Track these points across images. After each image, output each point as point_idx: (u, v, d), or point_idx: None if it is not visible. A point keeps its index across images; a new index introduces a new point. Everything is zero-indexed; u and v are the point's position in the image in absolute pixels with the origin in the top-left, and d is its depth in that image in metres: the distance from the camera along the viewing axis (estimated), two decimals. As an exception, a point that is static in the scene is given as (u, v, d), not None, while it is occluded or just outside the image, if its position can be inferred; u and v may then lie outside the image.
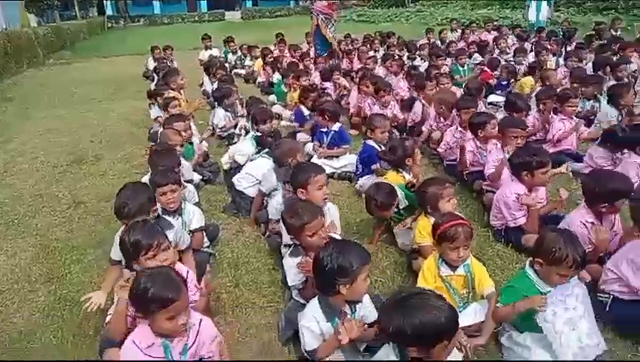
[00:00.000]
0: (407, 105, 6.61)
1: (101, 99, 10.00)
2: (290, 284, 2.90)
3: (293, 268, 2.84)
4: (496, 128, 4.46)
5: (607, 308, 2.80)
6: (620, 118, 5.64)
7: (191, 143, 5.22)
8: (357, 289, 2.34)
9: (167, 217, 3.28)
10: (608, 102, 5.85)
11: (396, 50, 10.64)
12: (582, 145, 5.50)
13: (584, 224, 3.18)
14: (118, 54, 17.55)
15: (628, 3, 16.95)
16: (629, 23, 14.41)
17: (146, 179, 3.83)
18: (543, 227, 3.52)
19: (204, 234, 3.64)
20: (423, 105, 5.96)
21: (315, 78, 8.27)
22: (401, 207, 3.75)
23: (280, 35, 12.60)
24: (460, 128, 5.10)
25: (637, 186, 3.99)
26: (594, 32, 10.67)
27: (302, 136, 6.12)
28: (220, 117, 6.51)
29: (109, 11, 35.13)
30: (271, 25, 24.32)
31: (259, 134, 5.10)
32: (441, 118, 5.62)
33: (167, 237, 2.63)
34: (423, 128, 5.88)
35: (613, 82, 6.57)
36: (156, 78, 8.46)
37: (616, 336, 2.69)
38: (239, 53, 12.10)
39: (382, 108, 6.29)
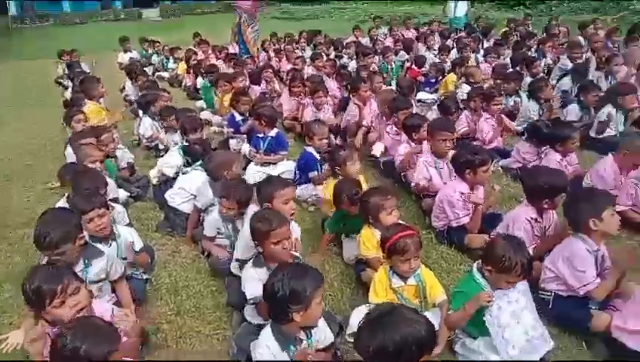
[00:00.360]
0: (341, 106, 6.58)
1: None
2: (248, 298, 2.72)
3: (254, 280, 2.68)
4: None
5: (550, 305, 2.88)
6: (541, 113, 5.94)
7: (110, 157, 4.86)
8: (312, 314, 2.23)
9: (97, 244, 2.99)
10: (529, 98, 6.16)
11: (324, 49, 10.60)
12: (507, 140, 5.71)
13: (529, 221, 3.27)
14: (24, 58, 16.18)
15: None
16: (536, 18, 15.34)
17: (62, 203, 3.49)
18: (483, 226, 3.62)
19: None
20: (358, 105, 5.94)
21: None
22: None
23: (198, 36, 12.19)
24: (395, 129, 5.12)
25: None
26: (509, 29, 11.15)
27: (234, 143, 5.92)
28: (147, 126, 6.12)
29: (12, 10, 32.40)
30: (193, 23, 23.52)
31: (187, 144, 4.84)
32: (384, 118, 5.61)
33: (76, 277, 2.35)
34: (362, 128, 5.81)
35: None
36: (70, 85, 7.86)
37: (560, 332, 2.77)
38: (162, 55, 11.58)
39: (316, 111, 6.21)
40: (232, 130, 6.26)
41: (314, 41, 11.68)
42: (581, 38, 9.44)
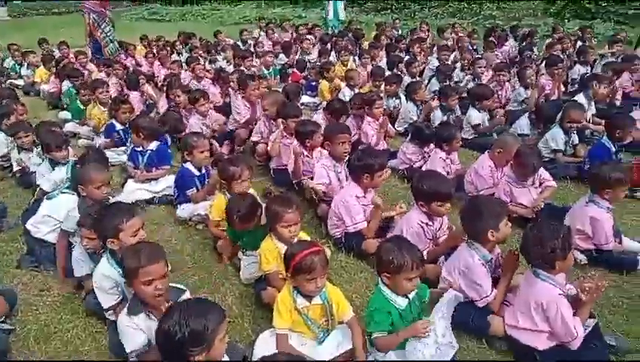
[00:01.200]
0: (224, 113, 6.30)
1: None
2: (128, 352, 2.39)
3: (133, 330, 2.37)
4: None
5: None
6: (419, 114, 6.22)
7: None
8: (215, 353, 2.01)
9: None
10: (407, 99, 6.42)
11: (200, 53, 10.16)
12: (391, 142, 5.89)
13: (420, 224, 3.33)
14: None
15: (400, 3, 19.13)
16: (403, 22, 16.28)
17: None
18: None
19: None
20: (248, 104, 5.75)
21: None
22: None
23: (43, 40, 11.12)
24: (285, 135, 4.98)
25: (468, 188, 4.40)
26: (379, 32, 11.60)
27: (111, 156, 5.37)
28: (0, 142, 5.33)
29: None
30: (47, 24, 21.34)
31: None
32: (272, 121, 5.42)
33: None
34: (253, 137, 5.58)
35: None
36: None
37: (461, 333, 2.83)
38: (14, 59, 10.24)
39: (202, 119, 5.87)
40: (108, 140, 5.69)
41: (189, 44, 11.15)
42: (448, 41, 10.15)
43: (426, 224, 3.32)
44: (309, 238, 3.25)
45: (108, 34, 9.38)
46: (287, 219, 2.99)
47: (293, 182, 4.65)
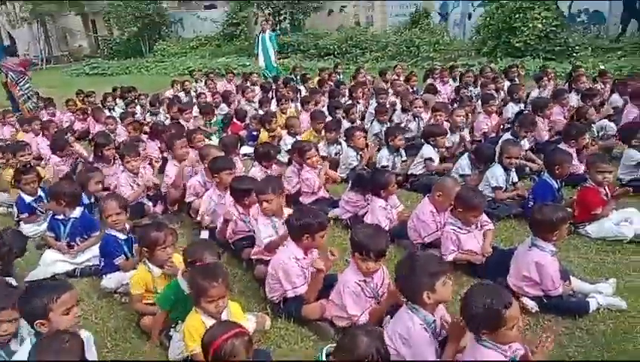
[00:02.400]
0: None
1: None
2: None
3: None
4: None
5: None
6: (358, 159, 6.10)
7: None
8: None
9: None
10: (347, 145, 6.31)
11: (138, 106, 9.84)
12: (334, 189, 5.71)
13: (358, 283, 3.09)
14: None
15: (342, 49, 19.55)
16: (345, 67, 16.58)
17: None
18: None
19: None
20: (178, 165, 5.43)
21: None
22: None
23: None
24: (218, 191, 4.70)
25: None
26: (321, 77, 11.66)
27: (27, 229, 4.92)
28: None
29: None
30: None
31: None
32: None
33: None
34: (188, 198, 5.24)
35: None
36: None
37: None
38: None
39: (133, 176, 5.50)
40: (25, 214, 5.20)
41: (126, 98, 10.80)
42: (383, 83, 10.28)
43: (364, 281, 3.09)
44: (240, 310, 2.97)
45: (26, 91, 9.20)
46: (212, 293, 2.69)
47: (230, 241, 4.36)
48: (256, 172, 5.32)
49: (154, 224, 3.51)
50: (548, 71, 9.65)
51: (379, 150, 6.25)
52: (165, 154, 6.74)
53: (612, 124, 6.76)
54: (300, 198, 5.26)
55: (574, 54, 13.84)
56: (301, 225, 3.33)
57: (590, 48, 14.02)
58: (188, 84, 11.85)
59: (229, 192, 4.41)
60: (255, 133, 7.97)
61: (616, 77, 9.75)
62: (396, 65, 12.28)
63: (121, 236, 3.96)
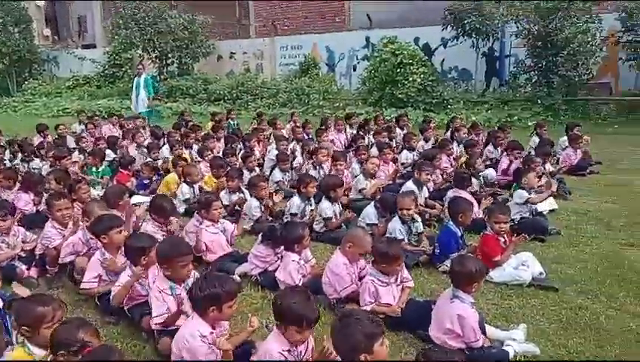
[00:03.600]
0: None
1: None
2: None
3: None
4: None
5: None
6: (262, 209, 5.86)
7: None
8: None
9: None
10: (251, 195, 6.06)
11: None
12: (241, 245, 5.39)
13: (281, 354, 2.82)
14: None
15: (233, 95, 19.41)
16: (238, 112, 16.45)
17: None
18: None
19: None
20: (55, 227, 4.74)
21: None
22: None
23: None
24: (107, 254, 4.15)
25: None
26: (216, 122, 11.30)
27: None
28: None
29: None
30: None
31: None
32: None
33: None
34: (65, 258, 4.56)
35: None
36: None
37: None
38: None
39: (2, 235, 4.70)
40: None
41: (-10, 143, 9.52)
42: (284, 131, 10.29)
43: (289, 351, 2.83)
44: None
45: None
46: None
47: (125, 308, 3.83)
48: (149, 228, 4.83)
49: (37, 297, 2.93)
50: (431, 122, 10.35)
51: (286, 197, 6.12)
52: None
53: (493, 173, 7.34)
54: (201, 255, 4.86)
55: (449, 106, 15.15)
56: (205, 296, 2.95)
57: (462, 101, 15.45)
58: (64, 127, 10.76)
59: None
60: (146, 181, 7.40)
61: (486, 128, 10.79)
62: (293, 113, 12.37)
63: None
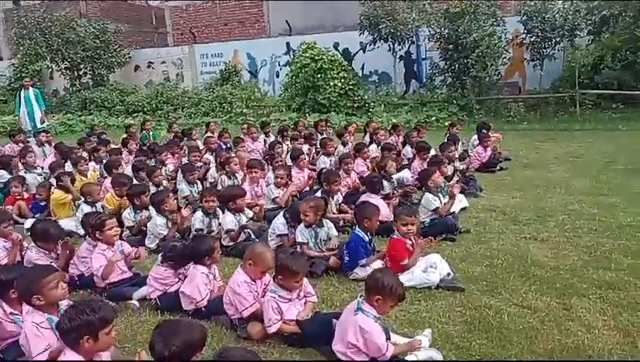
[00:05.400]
0: None
1: None
2: None
3: None
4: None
5: None
6: (169, 226, 5.52)
7: None
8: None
9: None
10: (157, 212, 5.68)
11: None
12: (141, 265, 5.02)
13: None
14: None
15: (153, 106, 18.65)
16: (157, 123, 15.82)
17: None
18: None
19: None
20: None
21: None
22: None
23: None
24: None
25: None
26: (127, 135, 10.71)
27: None
28: None
29: None
30: None
31: None
32: None
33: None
34: None
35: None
36: None
37: None
38: None
39: None
40: None
41: None
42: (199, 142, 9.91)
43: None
44: None
45: None
46: None
47: (-3, 351, 3.39)
48: (33, 255, 4.37)
49: None
50: (349, 126, 10.38)
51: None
52: None
53: (408, 175, 7.40)
54: (96, 281, 4.45)
55: (370, 110, 15.35)
56: (76, 326, 2.65)
57: (383, 104, 15.71)
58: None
59: None
60: (43, 203, 6.80)
61: (406, 129, 10.99)
62: (209, 123, 11.97)
63: None
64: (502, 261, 4.83)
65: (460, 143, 8.95)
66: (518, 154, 9.80)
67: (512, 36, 14.27)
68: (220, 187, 6.87)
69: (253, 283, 3.80)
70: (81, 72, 20.41)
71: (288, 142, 9.49)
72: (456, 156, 7.67)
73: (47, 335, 3.08)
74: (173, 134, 10.94)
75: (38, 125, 12.71)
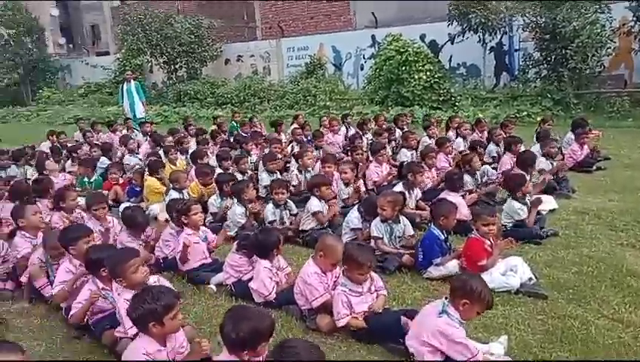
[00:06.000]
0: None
1: None
2: None
3: None
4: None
5: None
6: (247, 215, 5.70)
7: None
8: None
9: None
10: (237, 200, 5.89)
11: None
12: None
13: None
14: None
15: (240, 98, 19.39)
16: (245, 115, 16.37)
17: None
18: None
19: None
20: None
21: None
22: None
23: None
24: (75, 263, 4.02)
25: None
26: (215, 128, 11.23)
27: None
28: None
29: None
30: None
31: None
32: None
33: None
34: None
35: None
36: None
37: None
38: None
39: None
40: None
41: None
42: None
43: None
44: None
45: None
46: None
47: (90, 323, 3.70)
48: (124, 238, 4.72)
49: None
50: (433, 119, 10.07)
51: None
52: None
53: (493, 170, 7.05)
54: (179, 264, 4.71)
55: (456, 103, 14.79)
56: (142, 314, 2.81)
57: (470, 98, 15.07)
58: (64, 136, 10.79)
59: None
60: (138, 188, 7.31)
61: (493, 124, 10.45)
62: (297, 115, 12.10)
63: None
64: (592, 268, 4.46)
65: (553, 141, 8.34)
66: (619, 153, 8.95)
67: (618, 24, 13.02)
68: (294, 181, 6.97)
69: (323, 275, 3.83)
70: (177, 66, 21.64)
71: (369, 135, 9.40)
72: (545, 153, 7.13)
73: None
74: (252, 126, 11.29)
75: (138, 115, 13.68)
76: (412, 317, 3.37)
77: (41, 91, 25.25)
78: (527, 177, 5.72)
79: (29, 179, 7.67)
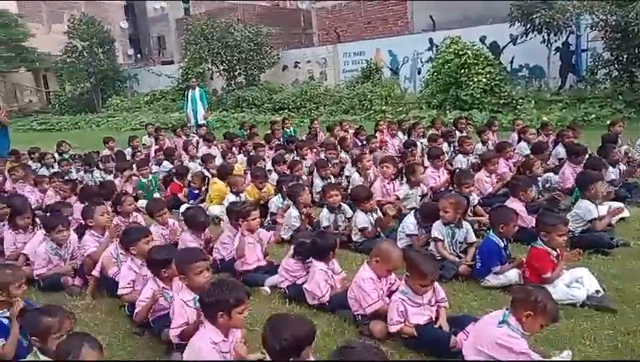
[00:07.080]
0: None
1: None
2: None
3: None
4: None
5: None
6: (302, 219, 5.75)
7: None
8: None
9: None
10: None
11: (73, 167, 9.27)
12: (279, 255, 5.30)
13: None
14: None
15: (297, 103, 19.66)
16: (301, 120, 16.57)
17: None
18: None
19: None
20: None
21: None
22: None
23: None
24: (139, 261, 4.20)
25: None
26: (270, 132, 11.39)
27: None
28: None
29: None
30: None
31: None
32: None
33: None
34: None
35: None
36: None
37: None
38: None
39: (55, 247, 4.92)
40: None
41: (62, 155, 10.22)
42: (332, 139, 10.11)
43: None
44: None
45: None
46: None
47: (150, 320, 3.86)
48: (187, 238, 4.89)
49: (45, 308, 3.02)
50: (492, 124, 9.75)
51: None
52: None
53: (555, 176, 6.73)
54: (235, 265, 4.82)
55: (518, 107, 14.25)
56: (213, 302, 2.93)
57: (533, 101, 14.47)
58: (136, 141, 11.34)
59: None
60: (196, 191, 7.56)
61: (559, 128, 9.97)
62: (342, 122, 12.00)
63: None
64: (667, 282, 4.15)
65: (624, 145, 7.88)
66: (701, 158, 8.26)
67: (698, 20, 12.09)
68: (352, 185, 6.96)
69: (378, 280, 3.79)
70: (236, 73, 22.25)
71: (423, 140, 9.24)
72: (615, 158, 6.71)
73: (189, 313, 3.42)
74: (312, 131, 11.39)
75: (200, 122, 14.13)
76: (463, 327, 3.29)
77: (110, 99, 26.70)
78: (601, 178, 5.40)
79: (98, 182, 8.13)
